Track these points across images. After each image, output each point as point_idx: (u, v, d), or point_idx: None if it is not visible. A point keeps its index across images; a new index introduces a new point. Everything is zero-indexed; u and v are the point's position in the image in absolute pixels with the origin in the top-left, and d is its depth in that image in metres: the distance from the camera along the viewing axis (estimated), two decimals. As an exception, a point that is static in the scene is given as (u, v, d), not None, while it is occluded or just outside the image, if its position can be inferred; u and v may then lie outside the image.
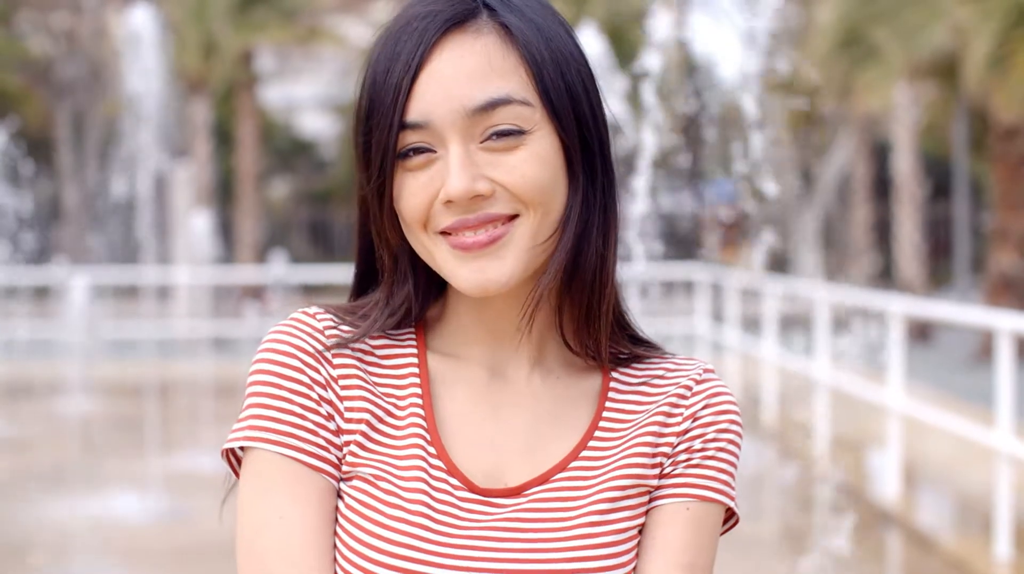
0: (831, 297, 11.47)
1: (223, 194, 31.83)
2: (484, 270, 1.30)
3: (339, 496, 1.33)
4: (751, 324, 14.23)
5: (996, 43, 16.16)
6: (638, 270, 7.22)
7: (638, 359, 1.42)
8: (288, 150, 38.53)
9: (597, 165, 1.36)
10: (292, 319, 1.37)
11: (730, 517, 1.41)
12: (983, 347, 16.47)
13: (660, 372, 1.41)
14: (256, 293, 23.16)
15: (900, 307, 9.32)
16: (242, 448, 1.34)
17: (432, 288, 1.41)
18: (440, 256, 1.32)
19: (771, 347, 12.70)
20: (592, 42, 10.75)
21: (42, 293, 20.33)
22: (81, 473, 9.43)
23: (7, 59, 29.70)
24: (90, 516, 8.36)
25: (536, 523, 1.32)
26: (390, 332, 1.39)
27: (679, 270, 17.19)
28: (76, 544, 7.85)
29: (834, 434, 10.59)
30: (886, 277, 29.63)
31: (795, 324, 13.14)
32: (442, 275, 1.34)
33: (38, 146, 31.45)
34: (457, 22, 1.30)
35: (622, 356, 1.42)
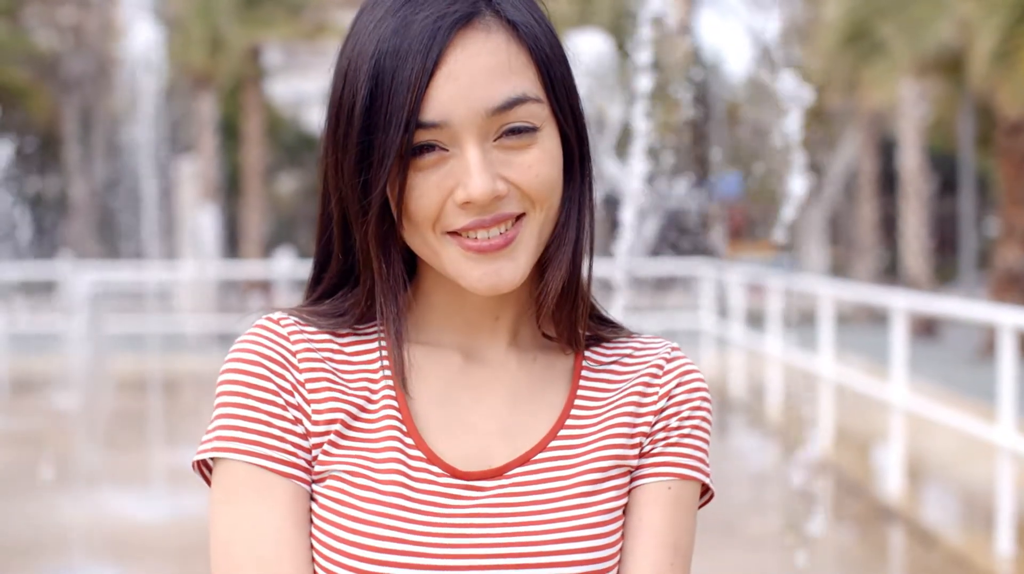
0: (836, 293, 11.46)
1: (229, 189, 31.87)
2: (498, 272, 1.30)
3: (312, 499, 1.33)
4: (755, 319, 14.22)
5: (1001, 38, 16.13)
6: (630, 266, 7.20)
7: (606, 339, 1.44)
8: (295, 145, 38.50)
9: (586, 158, 1.38)
10: (257, 327, 1.37)
11: (704, 492, 1.43)
12: (987, 343, 16.44)
13: (629, 351, 1.43)
14: (262, 288, 23.17)
15: (905, 303, 9.31)
16: (213, 459, 1.34)
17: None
18: (448, 257, 1.31)
19: (776, 343, 12.69)
20: (597, 41, 10.74)
21: (48, 288, 20.37)
22: (85, 469, 9.45)
23: (14, 54, 29.73)
24: (94, 512, 8.38)
25: (521, 506, 1.32)
26: (356, 327, 1.39)
27: (684, 265, 17.20)
28: (79, 540, 7.86)
29: (838, 430, 10.59)
30: (892, 273, 29.62)
31: (801, 320, 13.13)
32: (447, 274, 1.33)
33: (45, 141, 31.50)
34: (466, 20, 1.29)
35: (590, 337, 1.43)
